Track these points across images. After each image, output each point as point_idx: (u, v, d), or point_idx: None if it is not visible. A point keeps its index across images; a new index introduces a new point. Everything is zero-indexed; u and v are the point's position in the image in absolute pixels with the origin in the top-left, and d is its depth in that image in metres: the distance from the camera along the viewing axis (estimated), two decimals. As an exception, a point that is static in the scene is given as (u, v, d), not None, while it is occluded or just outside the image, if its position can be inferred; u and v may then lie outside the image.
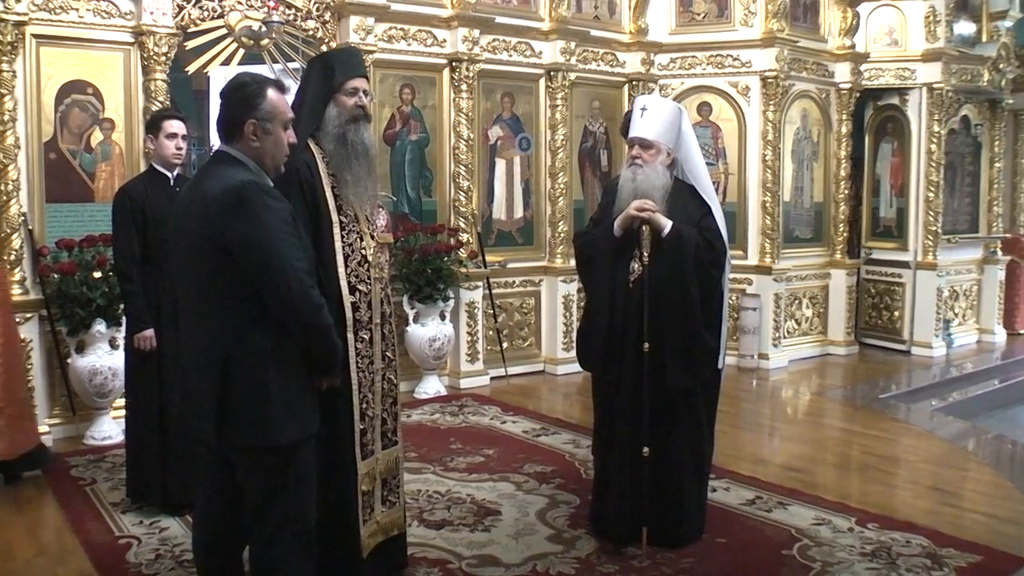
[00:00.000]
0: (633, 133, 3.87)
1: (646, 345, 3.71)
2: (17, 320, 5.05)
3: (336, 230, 3.18)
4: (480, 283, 7.18)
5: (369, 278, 3.25)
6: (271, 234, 2.48)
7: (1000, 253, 9.65)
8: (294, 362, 2.59)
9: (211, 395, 2.52)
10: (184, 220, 2.60)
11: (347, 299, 3.17)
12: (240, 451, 2.58)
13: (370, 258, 3.26)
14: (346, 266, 3.19)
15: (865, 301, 9.21)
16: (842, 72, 8.52)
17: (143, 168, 5.16)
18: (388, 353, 3.36)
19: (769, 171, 7.90)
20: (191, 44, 5.97)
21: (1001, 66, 9.05)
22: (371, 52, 6.49)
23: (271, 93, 2.62)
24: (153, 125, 4.33)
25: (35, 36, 5.44)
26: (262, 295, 2.50)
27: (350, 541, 3.20)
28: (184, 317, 2.69)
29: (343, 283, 3.17)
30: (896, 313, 9.02)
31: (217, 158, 2.65)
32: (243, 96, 2.61)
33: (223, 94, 2.66)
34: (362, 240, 3.25)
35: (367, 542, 3.24)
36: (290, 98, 2.89)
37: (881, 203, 9.18)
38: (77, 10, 5.58)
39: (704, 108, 8.09)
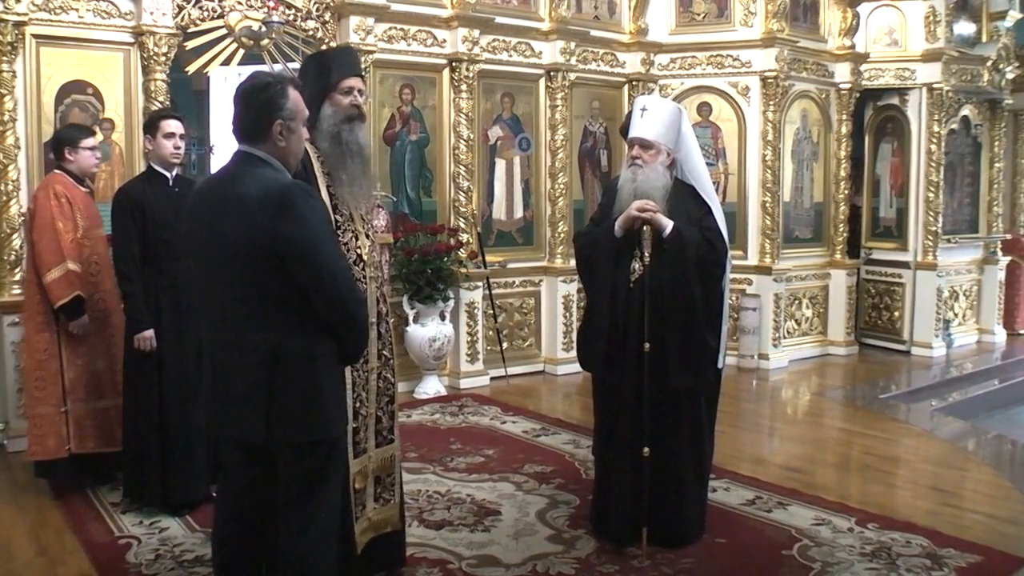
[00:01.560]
0: (633, 133, 3.87)
1: (647, 345, 3.71)
2: (17, 321, 5.08)
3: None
4: (480, 283, 7.18)
5: (364, 277, 3.24)
6: (319, 235, 2.53)
7: (1000, 253, 9.65)
8: (334, 357, 2.64)
9: (261, 394, 2.53)
10: (217, 223, 2.53)
11: None
12: (289, 446, 2.60)
13: (365, 257, 3.26)
14: None
15: (865, 301, 9.21)
16: (842, 72, 8.51)
17: (143, 168, 5.16)
18: (385, 352, 3.36)
19: (769, 171, 7.89)
20: (191, 44, 5.96)
21: (1001, 66, 9.05)
22: (371, 52, 6.50)
23: (292, 91, 2.61)
24: (150, 125, 4.33)
25: (35, 36, 5.44)
26: (309, 293, 2.52)
27: (343, 538, 3.19)
28: (211, 320, 2.64)
29: None
30: (896, 313, 9.01)
31: (243, 159, 2.59)
32: (269, 97, 2.57)
33: (244, 94, 2.59)
34: (357, 239, 3.25)
35: (359, 539, 3.24)
36: None
37: (881, 203, 9.17)
38: (77, 10, 5.58)
39: (704, 108, 8.09)
